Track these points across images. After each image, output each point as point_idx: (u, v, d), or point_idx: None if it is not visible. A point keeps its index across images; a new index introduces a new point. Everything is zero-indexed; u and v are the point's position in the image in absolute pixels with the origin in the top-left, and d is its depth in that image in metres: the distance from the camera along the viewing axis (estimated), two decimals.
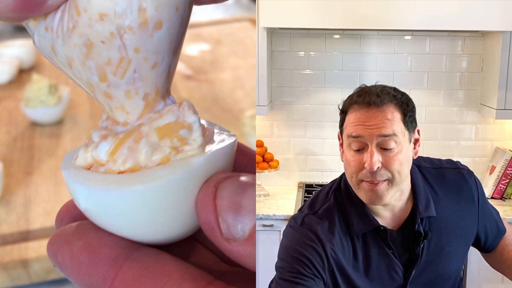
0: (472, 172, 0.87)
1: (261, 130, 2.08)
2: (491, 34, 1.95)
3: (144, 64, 0.37)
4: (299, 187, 2.10)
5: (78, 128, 1.47)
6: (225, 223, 0.35)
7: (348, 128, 0.76)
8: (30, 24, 0.38)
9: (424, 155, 0.87)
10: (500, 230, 0.91)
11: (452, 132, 2.09)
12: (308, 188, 2.05)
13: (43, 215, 1.16)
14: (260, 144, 2.02)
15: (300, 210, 0.83)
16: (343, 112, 0.77)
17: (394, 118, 0.74)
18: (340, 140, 0.79)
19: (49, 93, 1.43)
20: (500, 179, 1.97)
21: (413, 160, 0.80)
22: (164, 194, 0.37)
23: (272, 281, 0.78)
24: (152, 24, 0.36)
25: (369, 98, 0.74)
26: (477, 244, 0.90)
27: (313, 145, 2.11)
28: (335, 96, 2.04)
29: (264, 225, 1.81)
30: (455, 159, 0.89)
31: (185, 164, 0.37)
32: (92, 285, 0.36)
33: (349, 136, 0.75)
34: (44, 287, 1.08)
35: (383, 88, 0.76)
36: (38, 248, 1.08)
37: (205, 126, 0.40)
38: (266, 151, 2.04)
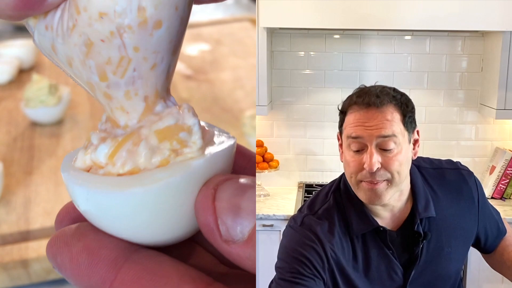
0: (472, 173, 0.87)
1: (261, 130, 2.08)
2: (491, 34, 1.95)
3: (144, 64, 0.37)
4: (299, 187, 2.10)
5: (78, 128, 1.47)
6: (224, 225, 0.36)
7: (348, 128, 0.75)
8: (30, 23, 0.38)
9: (424, 155, 0.87)
10: (501, 231, 0.90)
11: (452, 132, 2.09)
12: (308, 188, 2.05)
13: (43, 215, 1.16)
14: (260, 144, 2.02)
15: (299, 210, 0.83)
16: (343, 113, 0.77)
17: (393, 119, 0.74)
18: (340, 141, 0.79)
19: (49, 93, 1.43)
20: (500, 179, 1.97)
21: (413, 160, 0.80)
22: (163, 196, 0.37)
23: (272, 281, 0.78)
24: (152, 23, 0.36)
25: (368, 98, 0.74)
26: (477, 245, 0.90)
27: (313, 145, 2.11)
28: (335, 96, 2.04)
29: (264, 225, 1.81)
30: (455, 159, 0.89)
31: (184, 167, 0.37)
32: (91, 286, 0.36)
33: (348, 137, 0.75)
34: (44, 287, 1.08)
35: (383, 89, 0.76)
36: (38, 248, 1.08)
37: (205, 128, 0.40)
38: (266, 151, 2.04)
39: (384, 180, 0.74)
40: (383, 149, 0.73)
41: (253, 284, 0.39)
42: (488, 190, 1.96)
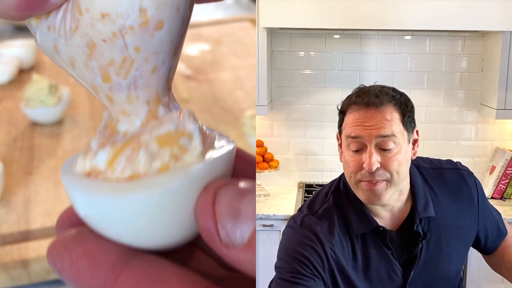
0: (472, 173, 0.87)
1: (261, 130, 2.08)
2: (491, 34, 1.95)
3: (145, 65, 0.37)
4: (299, 187, 2.10)
5: (78, 128, 1.47)
6: (224, 229, 0.36)
7: (347, 128, 0.76)
8: (32, 23, 0.38)
9: (424, 155, 0.87)
10: (502, 232, 0.90)
11: (452, 132, 2.09)
12: (308, 188, 2.05)
13: (43, 215, 1.16)
14: (260, 144, 2.02)
15: (299, 210, 0.83)
16: (342, 113, 0.78)
17: (393, 119, 0.74)
18: (339, 141, 0.79)
19: (49, 93, 1.43)
20: (500, 179, 1.97)
21: (412, 160, 0.80)
22: (163, 201, 0.37)
23: (271, 281, 0.78)
24: (153, 24, 0.36)
25: (368, 98, 0.74)
26: (477, 245, 0.90)
27: (313, 145, 2.11)
28: (335, 96, 2.04)
29: (264, 225, 1.81)
30: (455, 159, 0.89)
31: (184, 172, 0.38)
32: None
33: (348, 137, 0.75)
34: (44, 287, 1.08)
35: (382, 89, 0.76)
36: (38, 248, 1.08)
37: (206, 133, 0.40)
38: (266, 151, 2.04)
39: (384, 180, 0.74)
40: (382, 149, 0.73)
41: (253, 287, 0.39)
42: (488, 190, 1.96)
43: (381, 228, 0.78)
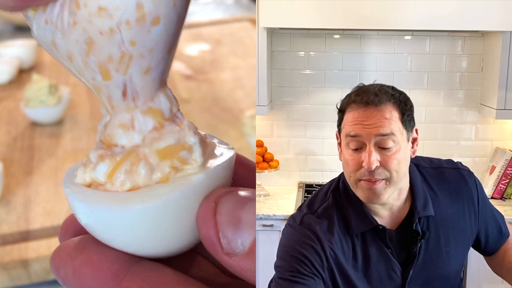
0: (472, 173, 0.87)
1: (261, 130, 2.08)
2: (491, 34, 1.95)
3: (141, 61, 0.37)
4: (299, 187, 2.10)
5: (78, 128, 1.47)
6: (226, 238, 0.36)
7: (346, 127, 0.76)
8: (29, 14, 0.38)
9: (424, 155, 0.87)
10: (503, 234, 0.90)
11: (452, 132, 2.09)
12: (308, 188, 2.05)
13: (43, 215, 1.16)
14: (260, 144, 2.02)
15: (299, 209, 0.83)
16: (341, 111, 0.78)
17: (392, 117, 0.74)
18: (338, 139, 0.79)
19: (49, 93, 1.43)
20: (500, 179, 1.97)
21: (412, 159, 0.80)
22: (164, 211, 0.37)
23: (271, 281, 0.78)
24: (150, 19, 0.36)
25: (367, 97, 0.74)
26: (477, 246, 0.90)
27: (313, 145, 2.11)
28: (335, 96, 2.04)
29: (264, 225, 1.81)
30: (455, 159, 0.89)
31: (185, 182, 0.38)
32: None
33: (347, 135, 0.75)
34: (44, 287, 1.08)
35: (381, 87, 0.76)
36: (38, 248, 1.08)
37: (206, 142, 0.41)
38: (266, 151, 2.03)
39: (383, 179, 0.74)
40: (381, 148, 0.74)
41: None
42: (488, 190, 1.96)
43: (381, 227, 0.78)
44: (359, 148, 0.74)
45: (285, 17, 1.79)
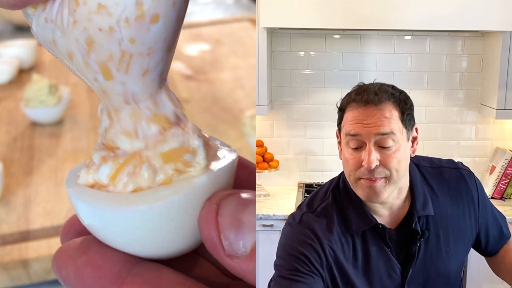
0: (472, 173, 0.87)
1: (261, 130, 2.08)
2: (491, 34, 1.95)
3: (140, 60, 0.37)
4: (299, 187, 2.10)
5: (78, 128, 1.47)
6: (227, 240, 0.36)
7: (346, 126, 0.76)
8: (29, 11, 0.38)
9: (424, 155, 0.87)
10: (504, 235, 0.90)
11: (452, 132, 2.09)
12: (308, 188, 2.05)
13: (43, 215, 1.16)
14: (260, 144, 2.02)
15: (298, 208, 0.83)
16: (341, 110, 0.78)
17: (392, 116, 0.74)
18: (339, 138, 0.79)
19: (49, 93, 1.43)
20: (500, 179, 1.97)
21: (413, 159, 0.80)
22: (167, 213, 0.37)
23: (271, 280, 0.79)
24: (149, 17, 0.36)
25: (367, 96, 0.74)
26: (477, 247, 0.90)
27: (313, 145, 2.11)
28: (335, 96, 2.03)
29: (264, 225, 1.81)
30: (455, 159, 0.89)
31: (188, 184, 0.38)
32: None
33: (347, 134, 0.75)
34: (44, 287, 1.08)
35: (381, 86, 0.76)
36: (38, 248, 1.08)
37: (209, 144, 0.41)
38: (266, 151, 2.03)
39: (382, 178, 0.74)
40: (381, 147, 0.74)
41: None
42: (488, 190, 1.96)
43: (380, 226, 0.78)
44: (359, 147, 0.74)
45: (285, 17, 1.79)
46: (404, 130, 0.75)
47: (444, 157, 0.89)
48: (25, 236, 1.12)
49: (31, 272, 1.06)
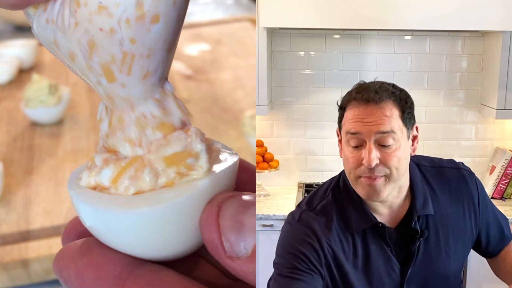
0: (473, 174, 0.87)
1: (261, 130, 2.08)
2: (491, 34, 1.95)
3: (141, 61, 0.37)
4: (299, 187, 2.10)
5: (78, 128, 1.47)
6: (229, 241, 0.36)
7: (347, 124, 0.76)
8: (30, 11, 0.38)
9: (425, 155, 0.87)
10: (506, 237, 0.89)
11: (452, 132, 2.09)
12: (308, 188, 2.05)
13: (43, 215, 1.16)
14: (260, 144, 2.02)
15: (298, 206, 0.84)
16: (342, 109, 0.78)
17: (392, 115, 0.74)
18: (339, 136, 0.79)
19: (49, 93, 1.43)
20: (500, 179, 1.97)
21: (413, 158, 0.80)
22: (169, 216, 0.38)
23: (270, 278, 0.79)
24: (149, 17, 0.36)
25: (367, 94, 0.74)
26: (478, 247, 0.90)
27: (313, 145, 2.10)
28: (335, 96, 2.02)
29: (264, 225, 1.81)
30: (455, 159, 0.89)
31: (190, 187, 0.38)
32: None
33: (347, 133, 0.75)
34: (44, 287, 1.08)
35: (382, 85, 0.76)
36: (38, 248, 1.08)
37: (212, 147, 0.41)
38: (266, 151, 2.03)
39: (383, 176, 0.74)
40: (381, 145, 0.74)
41: None
42: (488, 190, 1.96)
43: (380, 225, 0.78)
44: (359, 146, 0.74)
45: (285, 17, 1.79)
46: (405, 129, 0.75)
47: (444, 157, 0.89)
48: (25, 236, 1.12)
49: (31, 272, 1.06)
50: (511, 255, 0.89)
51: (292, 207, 1.88)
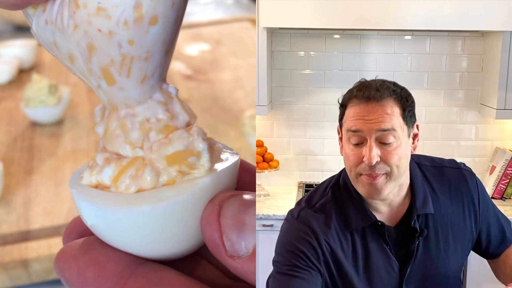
0: (474, 174, 0.87)
1: (261, 130, 2.08)
2: (491, 34, 1.95)
3: (139, 63, 0.37)
4: (299, 187, 2.10)
5: (78, 128, 1.47)
6: (229, 240, 0.36)
7: (348, 122, 0.76)
8: (29, 11, 0.38)
9: (425, 155, 0.87)
10: (507, 238, 0.89)
11: (452, 132, 2.09)
12: (308, 188, 2.05)
13: (43, 215, 1.16)
14: (260, 144, 2.02)
15: (298, 203, 0.84)
16: (343, 106, 0.78)
17: (393, 113, 0.74)
18: (340, 134, 0.79)
19: (49, 93, 1.43)
20: (500, 179, 1.97)
21: (414, 157, 0.80)
22: (170, 214, 0.38)
23: (269, 276, 0.79)
24: (148, 19, 0.36)
25: (368, 92, 0.75)
26: (478, 248, 0.89)
27: (313, 145, 2.11)
28: (335, 96, 2.02)
29: (264, 225, 1.81)
30: (456, 159, 0.89)
31: (191, 185, 0.38)
32: None
33: (348, 130, 0.76)
34: (44, 287, 1.08)
35: (383, 83, 0.77)
36: (38, 248, 1.08)
37: (213, 146, 0.41)
38: (266, 151, 2.03)
39: (383, 174, 0.74)
40: (382, 143, 0.74)
41: None
42: (488, 190, 1.96)
43: (380, 223, 0.78)
44: (360, 143, 0.75)
45: (285, 17, 1.79)
46: (405, 127, 0.75)
47: (444, 157, 0.89)
48: (25, 236, 1.12)
49: (31, 272, 1.06)
50: (511, 257, 0.89)
51: (292, 207, 1.88)
